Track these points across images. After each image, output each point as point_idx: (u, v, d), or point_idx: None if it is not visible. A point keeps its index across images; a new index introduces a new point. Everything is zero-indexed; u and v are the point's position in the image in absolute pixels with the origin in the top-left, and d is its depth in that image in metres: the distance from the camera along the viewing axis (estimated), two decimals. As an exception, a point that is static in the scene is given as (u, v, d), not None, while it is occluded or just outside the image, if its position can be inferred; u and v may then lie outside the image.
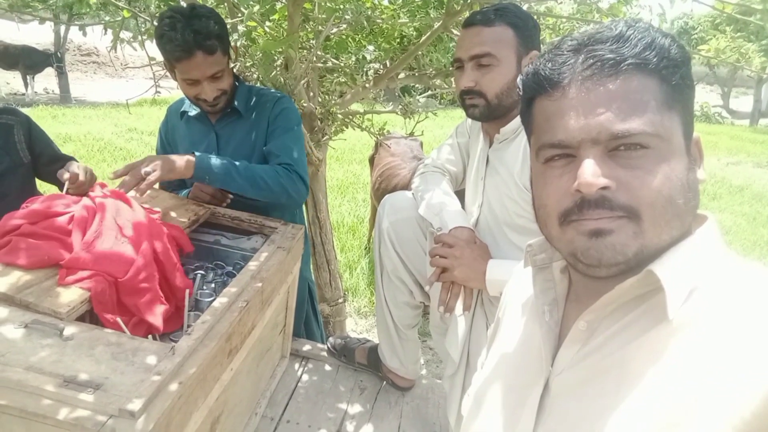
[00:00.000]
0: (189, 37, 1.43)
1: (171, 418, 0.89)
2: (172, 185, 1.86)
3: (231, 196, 1.70)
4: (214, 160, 1.50)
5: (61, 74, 11.34)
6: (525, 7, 1.56)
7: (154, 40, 1.54)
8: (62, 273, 1.10)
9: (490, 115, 1.31)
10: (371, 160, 3.85)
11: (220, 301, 1.15)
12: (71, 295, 1.07)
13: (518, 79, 0.69)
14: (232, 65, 1.67)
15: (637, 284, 0.58)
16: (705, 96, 19.64)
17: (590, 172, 0.57)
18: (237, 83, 1.71)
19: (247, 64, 1.98)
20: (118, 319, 1.11)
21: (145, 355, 0.95)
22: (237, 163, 1.53)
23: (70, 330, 0.98)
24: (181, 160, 1.47)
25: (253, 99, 1.73)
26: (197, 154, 1.50)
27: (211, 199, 1.67)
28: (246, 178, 1.52)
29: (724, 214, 6.07)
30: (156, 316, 1.16)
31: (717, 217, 0.65)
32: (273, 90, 1.80)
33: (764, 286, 0.55)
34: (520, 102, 0.70)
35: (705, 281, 0.57)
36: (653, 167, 0.57)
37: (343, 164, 7.04)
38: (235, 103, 1.68)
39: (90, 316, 1.13)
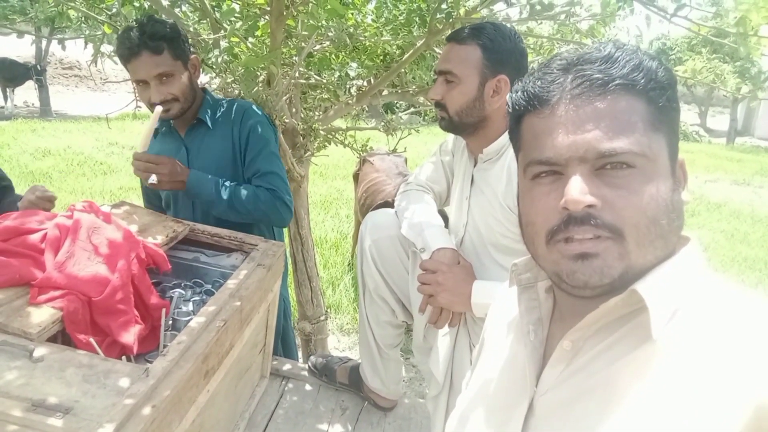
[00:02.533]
0: (135, 36, 1.49)
1: (143, 443, 0.86)
2: (152, 204, 1.84)
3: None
4: (203, 188, 1.59)
5: (41, 87, 11.21)
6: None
7: None
8: (34, 292, 1.07)
9: (453, 128, 1.36)
10: (355, 177, 3.85)
11: (197, 321, 1.12)
12: (42, 315, 1.04)
13: (507, 96, 0.69)
14: (211, 81, 1.67)
15: (621, 304, 0.58)
16: (683, 115, 19.96)
17: (577, 190, 0.57)
18: (205, 95, 1.74)
19: (228, 80, 1.97)
20: (91, 340, 1.08)
21: (117, 378, 0.93)
22: (224, 190, 1.59)
23: (40, 351, 0.95)
24: (178, 176, 1.56)
25: (219, 110, 1.74)
26: (191, 174, 1.58)
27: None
28: (227, 206, 1.59)
29: (702, 231, 6.17)
30: (130, 336, 1.13)
31: (696, 234, 0.66)
32: (242, 101, 1.81)
33: (745, 307, 0.56)
34: (509, 119, 0.70)
35: (688, 302, 0.57)
36: (638, 187, 0.57)
37: (326, 180, 7.03)
38: (202, 114, 1.70)
39: (62, 336, 1.10)
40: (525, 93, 0.65)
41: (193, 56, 1.64)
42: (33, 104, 12.26)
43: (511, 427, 0.66)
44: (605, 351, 0.60)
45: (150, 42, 1.50)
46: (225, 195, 1.58)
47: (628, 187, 0.57)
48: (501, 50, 1.28)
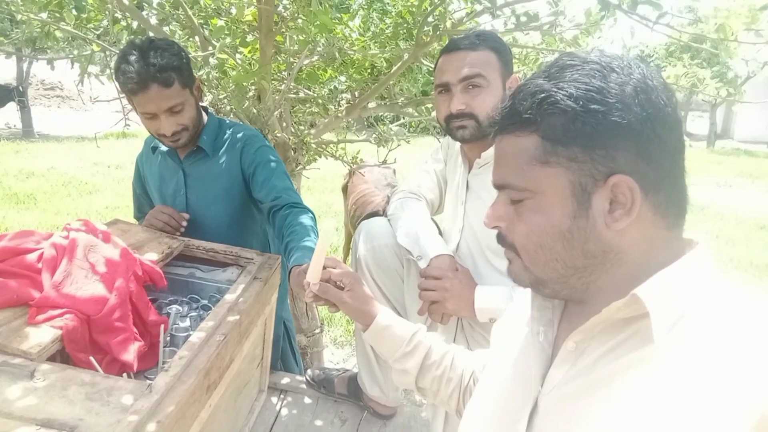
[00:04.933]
0: (143, 70, 1.41)
1: (149, 459, 0.86)
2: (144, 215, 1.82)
3: (185, 223, 1.66)
4: (302, 249, 1.34)
5: (24, 108, 11.12)
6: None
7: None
8: (32, 312, 1.06)
9: (480, 135, 1.33)
10: (344, 189, 3.85)
11: (197, 336, 1.12)
12: (42, 335, 1.03)
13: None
14: (204, 97, 1.65)
15: (623, 307, 0.59)
16: (665, 120, 20.29)
17: (489, 213, 0.71)
18: (207, 116, 1.69)
19: (220, 96, 1.98)
20: (91, 358, 1.08)
21: (120, 395, 0.92)
22: (303, 235, 1.42)
23: (41, 371, 0.94)
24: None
25: (221, 138, 1.70)
26: (293, 259, 1.31)
27: (165, 226, 1.63)
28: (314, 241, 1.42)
29: (687, 234, 6.24)
30: (129, 354, 1.12)
31: (706, 238, 0.67)
32: (242, 125, 1.77)
33: (751, 315, 0.56)
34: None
35: (693, 308, 0.58)
36: (529, 216, 0.66)
37: (314, 194, 7.03)
38: (203, 143, 1.65)
39: (61, 355, 1.09)
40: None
41: (197, 79, 1.59)
42: (15, 125, 12.14)
43: (517, 424, 0.68)
44: (608, 353, 0.61)
45: (159, 75, 1.42)
46: (310, 236, 1.42)
47: (521, 216, 0.67)
48: (506, 52, 1.34)
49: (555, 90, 0.61)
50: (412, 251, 1.39)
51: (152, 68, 1.41)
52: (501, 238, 0.71)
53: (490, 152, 1.34)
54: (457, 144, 1.46)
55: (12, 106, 11.18)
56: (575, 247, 0.63)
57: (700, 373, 0.53)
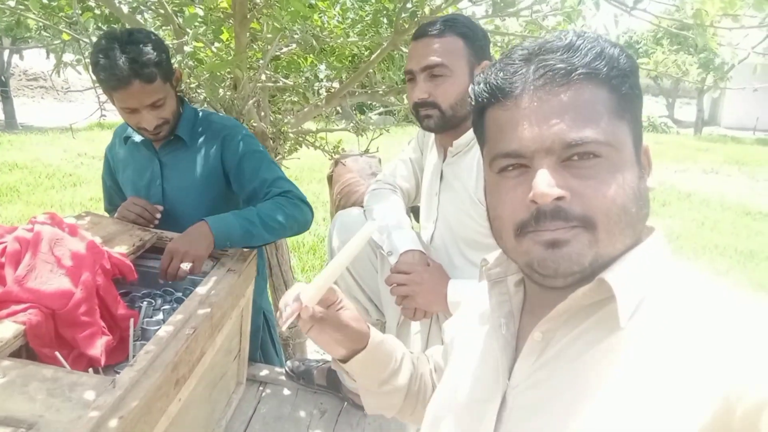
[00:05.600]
0: (124, 66, 1.36)
1: (111, 456, 0.84)
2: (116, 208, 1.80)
3: (158, 215, 1.63)
4: (231, 227, 1.44)
5: (6, 99, 10.95)
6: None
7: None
8: (-6, 307, 1.04)
9: (445, 125, 1.30)
10: (329, 179, 3.83)
11: (165, 329, 1.11)
12: (4, 331, 1.01)
13: (469, 89, 0.68)
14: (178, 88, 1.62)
15: (589, 293, 0.58)
16: (651, 107, 20.46)
17: (545, 183, 0.57)
18: (182, 108, 1.66)
19: (192, 85, 1.95)
20: (57, 353, 1.06)
21: (83, 390, 0.91)
22: (248, 214, 1.47)
23: (1, 367, 0.92)
24: (202, 241, 1.41)
25: (199, 127, 1.67)
26: (211, 224, 1.43)
27: (137, 218, 1.60)
28: (263, 228, 1.47)
29: (673, 220, 6.29)
30: (96, 348, 1.11)
31: (667, 223, 0.67)
32: (221, 116, 1.74)
33: (711, 295, 0.56)
34: (472, 112, 0.69)
35: (654, 290, 0.58)
36: (606, 176, 0.57)
37: (301, 184, 6.99)
38: (181, 132, 1.62)
39: (26, 351, 1.07)
40: (487, 85, 0.64)
41: (176, 70, 1.56)
42: (-3, 117, 11.97)
43: (485, 421, 0.66)
44: (575, 341, 0.60)
45: (141, 70, 1.38)
46: (254, 219, 1.46)
47: (596, 177, 0.57)
48: (478, 37, 1.29)
49: (621, 50, 0.60)
50: (384, 246, 1.38)
51: (135, 65, 1.38)
52: (558, 212, 0.57)
53: (462, 140, 1.32)
54: (432, 133, 1.44)
55: (-7, 98, 11.03)
56: (643, 215, 0.60)
57: (667, 357, 0.53)
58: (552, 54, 0.60)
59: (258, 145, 1.67)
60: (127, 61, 1.37)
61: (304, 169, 7.32)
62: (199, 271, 1.42)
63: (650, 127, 16.14)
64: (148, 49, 1.41)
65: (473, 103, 0.68)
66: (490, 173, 0.66)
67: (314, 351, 3.10)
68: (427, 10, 1.96)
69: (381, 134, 2.34)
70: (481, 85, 0.65)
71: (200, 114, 1.71)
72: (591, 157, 0.58)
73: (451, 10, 1.99)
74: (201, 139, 1.66)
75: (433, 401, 0.81)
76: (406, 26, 1.92)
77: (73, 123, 2.49)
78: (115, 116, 2.46)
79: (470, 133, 1.30)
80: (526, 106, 0.60)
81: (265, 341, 2.00)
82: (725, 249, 5.42)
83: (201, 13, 1.85)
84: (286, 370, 1.85)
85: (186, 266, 1.37)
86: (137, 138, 1.66)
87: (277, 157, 2.21)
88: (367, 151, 2.36)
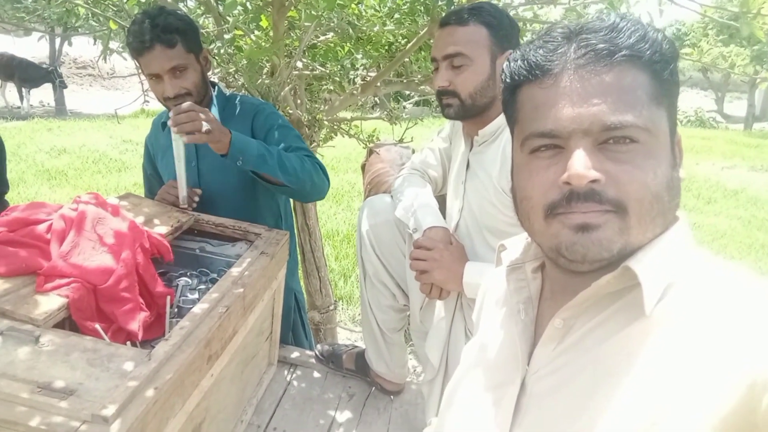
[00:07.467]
0: (147, 29, 1.46)
1: (146, 424, 0.88)
2: (154, 194, 1.86)
3: (197, 198, 1.68)
4: (249, 143, 1.49)
5: (63, 88, 11.40)
6: (512, 14, 1.57)
7: None
8: (40, 281, 1.09)
9: (464, 114, 1.31)
10: (363, 168, 3.86)
11: (200, 307, 1.14)
12: (49, 303, 1.06)
13: (504, 66, 0.66)
14: (213, 71, 1.66)
15: (613, 281, 0.57)
16: (699, 101, 19.78)
17: (582, 164, 0.56)
18: (214, 90, 1.71)
19: (230, 71, 1.99)
20: (97, 326, 1.11)
21: (121, 361, 0.95)
22: (268, 146, 1.53)
23: (46, 337, 0.98)
24: (222, 128, 1.44)
25: (231, 108, 1.72)
26: (233, 133, 1.47)
27: (176, 200, 1.64)
28: (278, 162, 1.50)
29: (719, 218, 6.08)
30: (135, 323, 1.15)
31: (712, 221, 0.65)
32: (252, 98, 1.79)
33: (737, 283, 0.55)
34: (503, 91, 0.68)
35: (680, 277, 0.57)
36: (642, 162, 0.56)
37: (338, 173, 7.05)
38: (211, 110, 1.67)
39: (69, 323, 1.12)
40: (525, 62, 0.62)
41: (204, 49, 1.62)
42: (48, 104, 12.45)
43: (503, 406, 0.66)
44: (596, 328, 0.60)
45: (163, 35, 1.47)
46: (273, 151, 1.51)
47: (631, 162, 0.56)
48: (504, 26, 1.27)
49: (663, 35, 0.59)
50: (409, 224, 1.39)
51: (157, 29, 1.46)
52: (592, 194, 0.56)
53: (489, 129, 1.31)
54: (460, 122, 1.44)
55: (46, 85, 11.44)
56: (674, 205, 0.60)
57: (692, 344, 0.52)
58: (594, 33, 0.58)
59: (286, 122, 1.71)
60: (150, 26, 1.47)
61: (340, 159, 7.38)
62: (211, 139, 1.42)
63: (698, 122, 15.60)
64: (173, 19, 1.50)
65: (507, 80, 0.66)
66: (521, 153, 0.65)
67: (345, 338, 3.15)
68: (464, -2, 1.94)
69: (416, 123, 2.34)
70: (519, 62, 0.63)
71: (231, 97, 1.76)
72: (627, 141, 0.56)
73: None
74: (233, 119, 1.71)
75: (451, 383, 0.82)
76: (444, 14, 1.91)
77: (118, 109, 2.57)
78: (157, 104, 2.54)
79: (496, 123, 1.29)
80: (566, 84, 0.58)
81: (296, 323, 2.04)
82: (772, 249, 5.21)
83: (241, 0, 1.88)
84: (316, 354, 1.89)
85: (206, 125, 1.38)
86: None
87: (312, 145, 2.24)
88: (401, 140, 2.36)
